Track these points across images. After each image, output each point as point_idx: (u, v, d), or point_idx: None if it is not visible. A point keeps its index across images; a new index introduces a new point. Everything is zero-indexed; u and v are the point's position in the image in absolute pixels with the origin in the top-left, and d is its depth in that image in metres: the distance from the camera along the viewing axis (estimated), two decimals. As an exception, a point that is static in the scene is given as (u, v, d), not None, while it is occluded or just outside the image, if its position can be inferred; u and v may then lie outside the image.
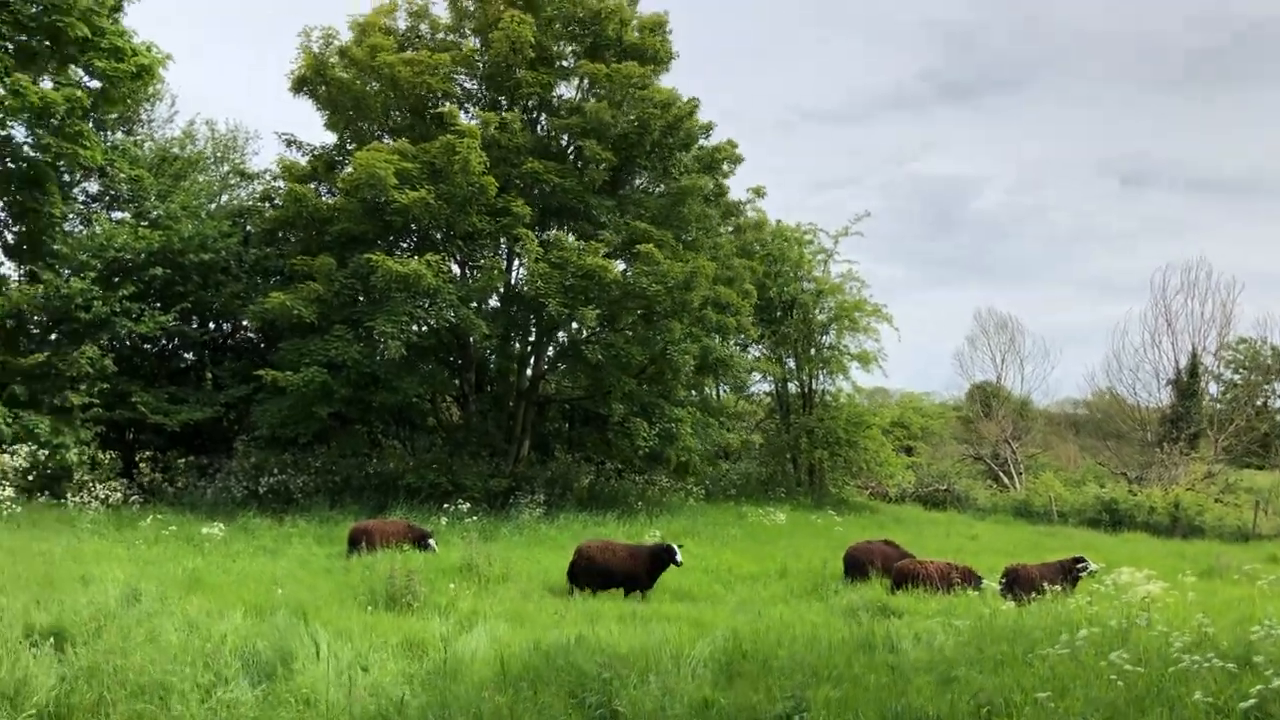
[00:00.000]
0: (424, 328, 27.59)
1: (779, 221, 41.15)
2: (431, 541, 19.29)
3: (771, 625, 12.70)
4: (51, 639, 10.84)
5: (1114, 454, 49.64)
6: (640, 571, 17.04)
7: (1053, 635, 10.96)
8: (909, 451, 47.19)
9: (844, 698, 8.80)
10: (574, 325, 28.10)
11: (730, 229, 35.25)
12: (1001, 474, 48.60)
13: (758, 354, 40.65)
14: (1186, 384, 49.63)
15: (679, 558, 16.85)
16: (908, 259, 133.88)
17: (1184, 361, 50.01)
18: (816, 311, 39.85)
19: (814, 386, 40.72)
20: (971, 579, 17.09)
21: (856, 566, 18.86)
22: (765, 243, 39.46)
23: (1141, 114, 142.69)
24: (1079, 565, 16.04)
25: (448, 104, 28.13)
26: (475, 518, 24.56)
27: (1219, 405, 52.06)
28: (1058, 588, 15.01)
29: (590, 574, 17.13)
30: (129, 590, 13.99)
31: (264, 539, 21.60)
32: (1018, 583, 16.39)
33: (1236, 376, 56.06)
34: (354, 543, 19.09)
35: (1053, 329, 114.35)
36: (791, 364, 40.41)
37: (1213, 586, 19.37)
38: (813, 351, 39.83)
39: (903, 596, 16.23)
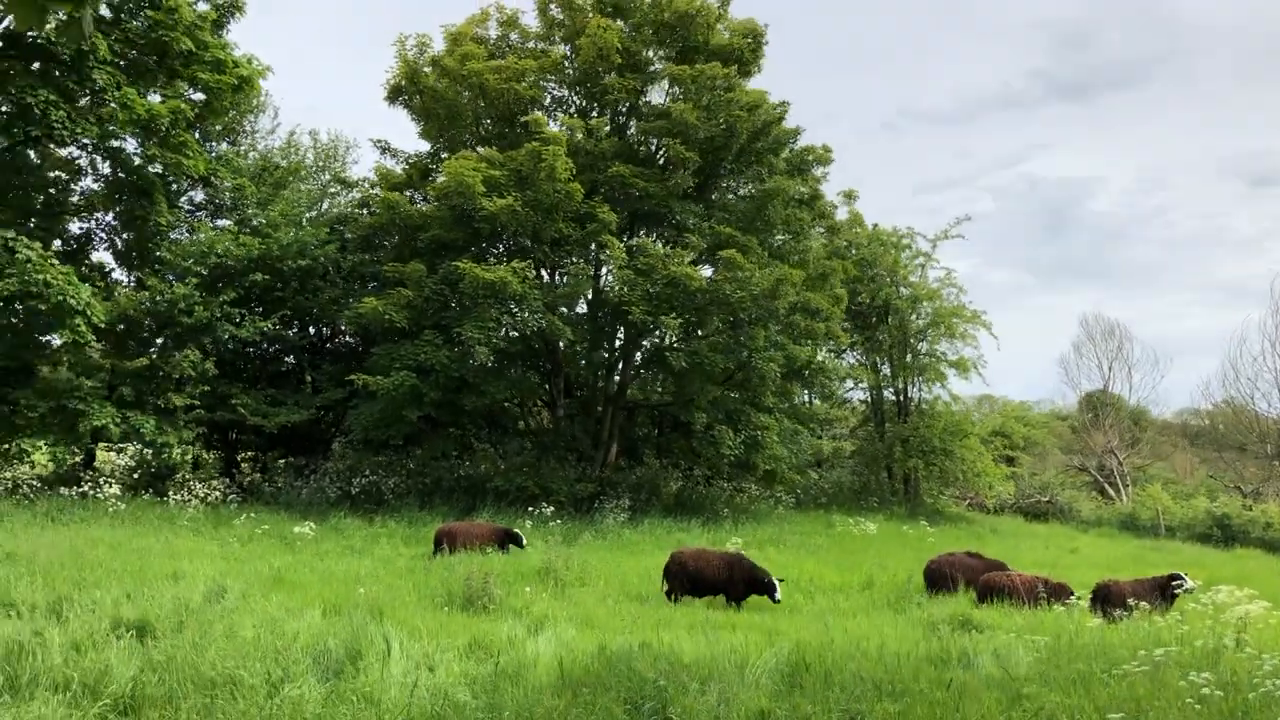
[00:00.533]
0: (513, 334, 27.88)
1: (875, 225, 40.63)
2: (519, 534, 19.79)
3: (841, 638, 12.44)
4: (134, 632, 11.26)
5: (1230, 467, 47.62)
6: (736, 581, 16.78)
7: (1136, 654, 10.55)
8: (1010, 462, 45.93)
9: (902, 712, 8.58)
10: (658, 332, 28.09)
11: (821, 230, 34.79)
12: (1108, 486, 47.01)
13: (852, 361, 40.11)
14: (1309, 395, 47.28)
15: (778, 596, 16.40)
16: (1021, 263, 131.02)
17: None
18: (913, 317, 39.14)
19: (910, 394, 39.98)
20: (1062, 593, 16.54)
21: (938, 579, 18.38)
22: (860, 246, 38.93)
23: (1270, 111, 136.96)
24: (1174, 582, 15.38)
25: (535, 111, 28.44)
26: (559, 521, 24.71)
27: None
28: (1145, 605, 14.41)
29: (681, 579, 17.03)
30: (215, 587, 14.43)
31: (353, 539, 22.05)
32: (1108, 599, 15.81)
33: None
34: (439, 544, 19.43)
35: (1174, 335, 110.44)
36: (886, 371, 39.74)
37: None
38: (908, 358, 39.11)
39: (987, 610, 15.79)
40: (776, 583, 16.42)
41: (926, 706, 8.84)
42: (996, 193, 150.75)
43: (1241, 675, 9.68)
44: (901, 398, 39.82)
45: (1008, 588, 16.79)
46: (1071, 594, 16.56)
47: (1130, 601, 14.79)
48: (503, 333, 26.94)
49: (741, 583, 16.75)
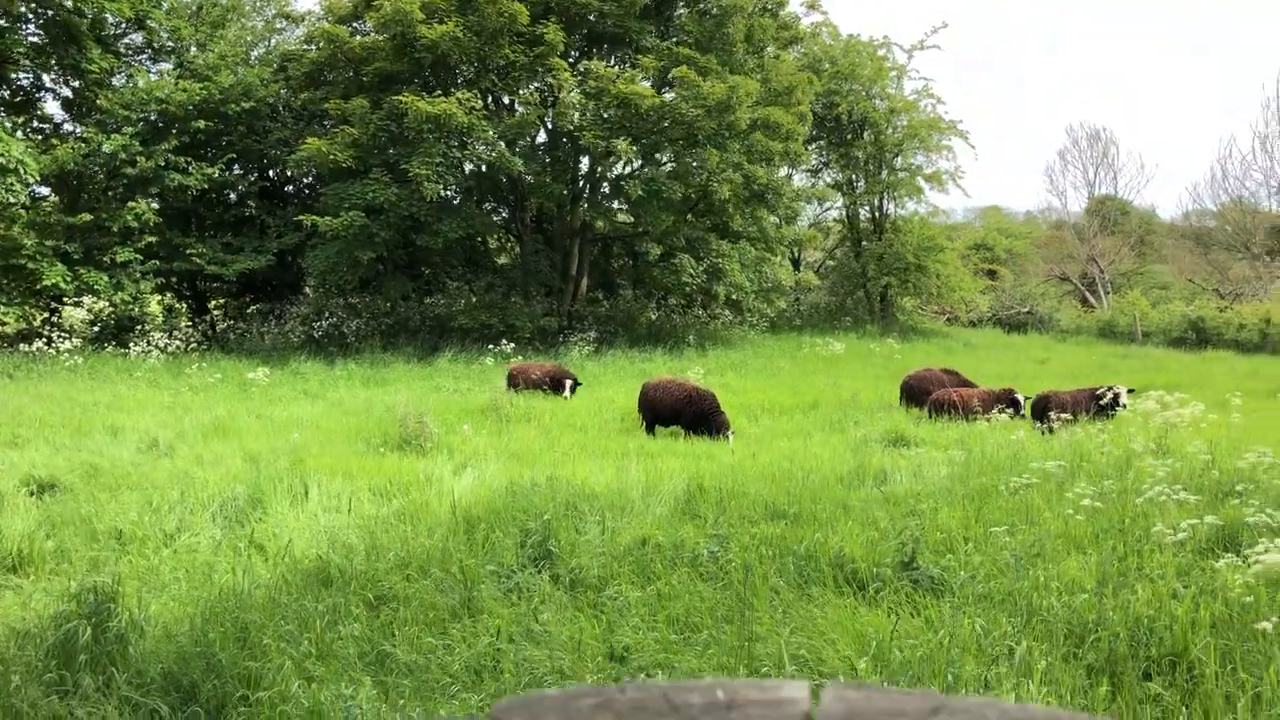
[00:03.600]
0: (467, 168, 27.17)
1: (850, 36, 39.09)
2: (568, 384, 19.92)
3: (754, 462, 12.47)
4: (44, 488, 11.30)
5: (1216, 269, 47.13)
6: (688, 414, 16.75)
7: (1034, 466, 10.55)
8: (992, 275, 45.51)
9: (781, 534, 8.57)
10: (619, 161, 27.33)
11: (785, 45, 33.35)
12: (1088, 294, 46.72)
13: (829, 179, 39.32)
14: (1299, 191, 46.50)
15: (729, 439, 16.16)
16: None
17: (1297, 166, 46.73)
18: (889, 131, 38.08)
19: (886, 210, 39.28)
20: (1004, 400, 16.60)
21: (913, 394, 18.50)
22: (835, 59, 37.56)
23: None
24: (1106, 392, 15.32)
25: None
26: (522, 357, 24.61)
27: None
28: (1081, 415, 14.40)
29: (645, 409, 17.16)
30: (148, 439, 14.48)
31: (310, 383, 22.05)
32: (1046, 410, 15.79)
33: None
34: (510, 382, 19.91)
35: (1175, 138, 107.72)
36: (862, 187, 38.95)
37: (1277, 407, 18.44)
38: (884, 174, 38.25)
39: (923, 427, 15.80)
40: (728, 431, 16.16)
41: (808, 526, 8.84)
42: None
43: (1143, 482, 9.66)
44: (877, 214, 39.14)
45: (949, 402, 16.81)
46: (1019, 403, 16.58)
47: (1064, 413, 14.77)
48: (456, 168, 26.21)
49: (693, 418, 16.75)
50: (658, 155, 27.72)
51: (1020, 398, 16.74)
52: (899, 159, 38.10)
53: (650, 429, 17.00)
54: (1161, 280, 51.10)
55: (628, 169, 27.78)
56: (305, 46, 30.76)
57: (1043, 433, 14.56)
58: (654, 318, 31.91)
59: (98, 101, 25.79)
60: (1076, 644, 6.25)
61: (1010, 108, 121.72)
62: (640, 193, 26.08)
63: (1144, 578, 7.23)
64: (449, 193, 28.03)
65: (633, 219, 31.58)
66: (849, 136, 38.20)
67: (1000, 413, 15.55)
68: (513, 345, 25.36)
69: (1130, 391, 15.96)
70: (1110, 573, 7.26)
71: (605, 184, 30.24)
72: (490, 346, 25.41)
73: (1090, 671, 5.94)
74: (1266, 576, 6.55)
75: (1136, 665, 5.94)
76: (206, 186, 26.64)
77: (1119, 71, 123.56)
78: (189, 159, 26.43)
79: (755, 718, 0.64)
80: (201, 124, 26.47)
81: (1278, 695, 5.20)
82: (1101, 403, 14.85)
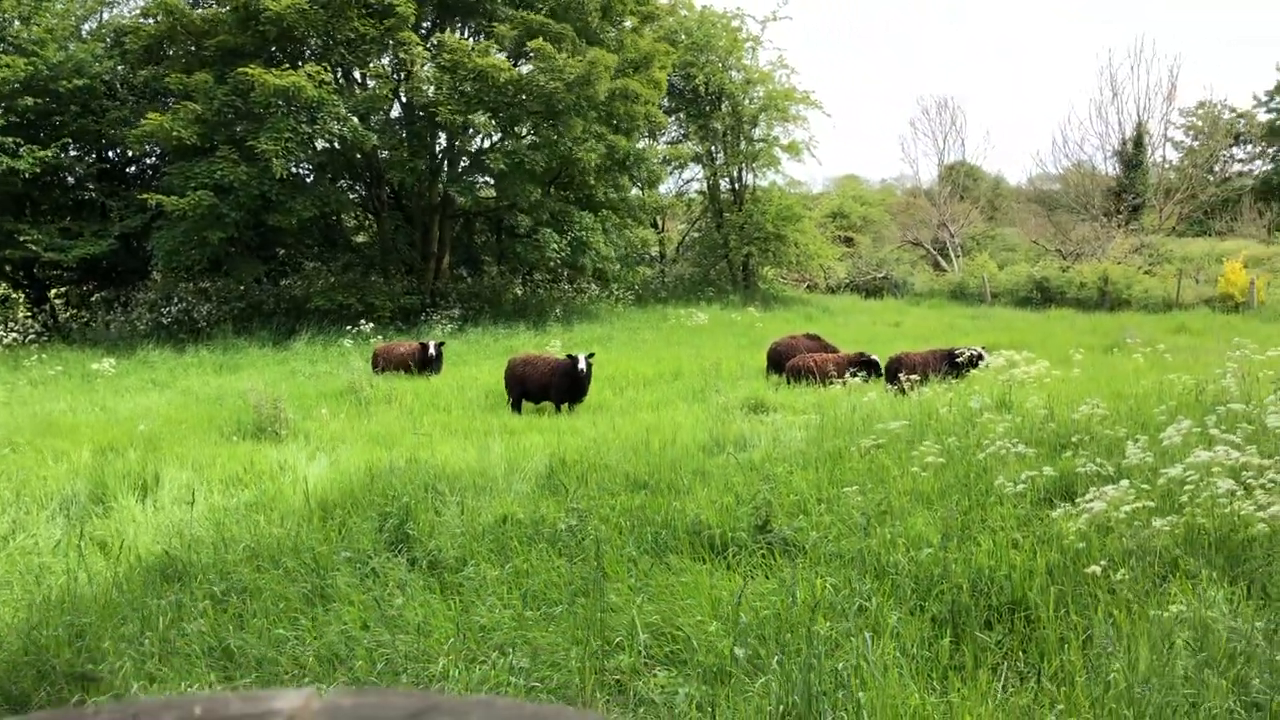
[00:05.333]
0: (320, 144, 26.37)
1: (704, 8, 39.36)
2: (432, 345, 19.74)
3: (614, 434, 12.49)
4: None
5: (1059, 231, 49.30)
6: (555, 385, 16.72)
7: (877, 427, 10.84)
8: (849, 242, 46.63)
9: (641, 505, 8.62)
10: (478, 135, 26.94)
11: (644, 20, 33.36)
12: (940, 258, 48.34)
13: (692, 149, 39.57)
14: (1131, 154, 48.98)
15: (580, 366, 16.26)
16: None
17: (1130, 132, 49.25)
18: (746, 102, 38.52)
19: (745, 181, 39.79)
20: (869, 367, 17.06)
21: (780, 361, 18.84)
22: (691, 30, 37.78)
23: None
24: (958, 353, 15.92)
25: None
26: (381, 337, 24.10)
27: (1171, 174, 51.53)
28: (925, 375, 14.89)
29: (514, 386, 16.97)
30: (-23, 437, 13.68)
31: (159, 372, 21.17)
32: (898, 372, 16.27)
33: (1195, 143, 55.07)
34: (374, 363, 19.81)
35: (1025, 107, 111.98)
36: (722, 159, 39.34)
37: (1111, 361, 19.38)
38: (742, 145, 38.70)
39: (782, 393, 16.12)
40: (577, 358, 16.32)
41: (667, 496, 8.91)
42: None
43: (989, 437, 10.02)
44: (737, 185, 39.62)
45: (807, 368, 17.18)
46: (875, 367, 17.07)
47: (913, 374, 15.23)
48: (307, 144, 25.40)
49: (555, 386, 16.72)
50: (517, 128, 27.38)
51: (876, 360, 17.24)
52: (757, 130, 38.60)
53: (517, 405, 16.89)
54: (1010, 243, 53.10)
55: (487, 143, 27.41)
56: (142, 20, 29.31)
57: (894, 394, 14.99)
58: (520, 293, 31.65)
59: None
60: (923, 597, 6.44)
61: (906, 74, 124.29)
62: (503, 166, 25.75)
63: (986, 530, 7.52)
64: (301, 170, 27.21)
65: (494, 194, 31.24)
66: (707, 108, 38.48)
67: (853, 376, 16.00)
68: (372, 325, 24.80)
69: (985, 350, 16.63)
70: (954, 526, 7.53)
71: (465, 158, 29.77)
72: (349, 328, 24.79)
73: (935, 623, 6.12)
74: (1095, 523, 6.89)
75: (978, 614, 6.15)
76: (40, 170, 25.21)
77: (1018, 40, 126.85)
78: (18, 140, 24.97)
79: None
80: (30, 101, 25.03)
81: (1105, 633, 5.45)
82: (959, 361, 15.43)
